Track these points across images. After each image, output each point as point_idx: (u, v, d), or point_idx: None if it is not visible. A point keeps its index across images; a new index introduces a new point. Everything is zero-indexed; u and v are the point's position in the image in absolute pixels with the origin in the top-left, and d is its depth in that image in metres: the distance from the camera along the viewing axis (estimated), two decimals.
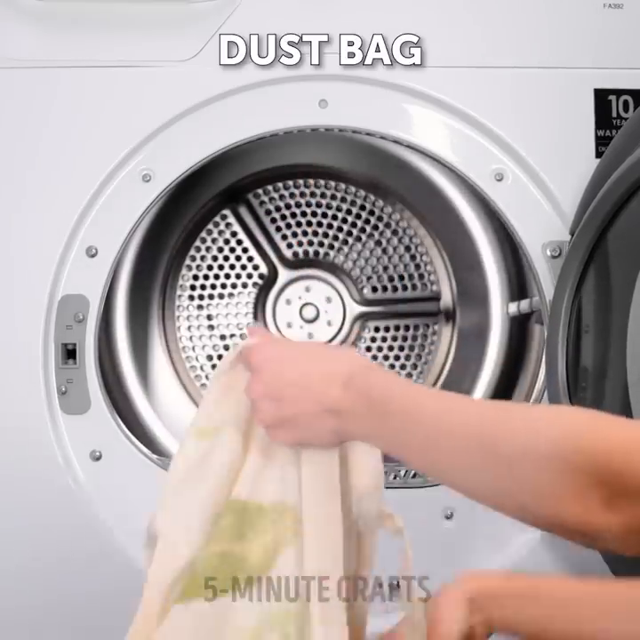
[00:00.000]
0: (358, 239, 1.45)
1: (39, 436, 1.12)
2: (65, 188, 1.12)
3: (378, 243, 1.45)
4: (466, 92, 1.13)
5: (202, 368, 1.46)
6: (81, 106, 1.12)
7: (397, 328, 1.46)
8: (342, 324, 1.44)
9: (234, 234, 1.44)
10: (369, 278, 1.45)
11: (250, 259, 1.45)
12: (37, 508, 1.13)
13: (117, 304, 1.36)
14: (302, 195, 1.44)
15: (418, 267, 1.45)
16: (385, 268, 1.45)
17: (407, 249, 1.46)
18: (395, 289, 1.46)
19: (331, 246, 1.45)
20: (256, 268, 1.45)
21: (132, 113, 1.12)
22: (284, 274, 1.44)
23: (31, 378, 1.12)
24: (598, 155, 1.13)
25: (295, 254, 1.45)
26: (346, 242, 1.45)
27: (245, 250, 1.45)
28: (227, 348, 1.46)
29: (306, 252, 1.45)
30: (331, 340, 1.44)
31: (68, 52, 1.12)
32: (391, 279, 1.45)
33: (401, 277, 1.45)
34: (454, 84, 1.13)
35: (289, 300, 1.44)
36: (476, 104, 1.13)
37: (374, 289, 1.46)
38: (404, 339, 1.46)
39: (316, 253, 1.45)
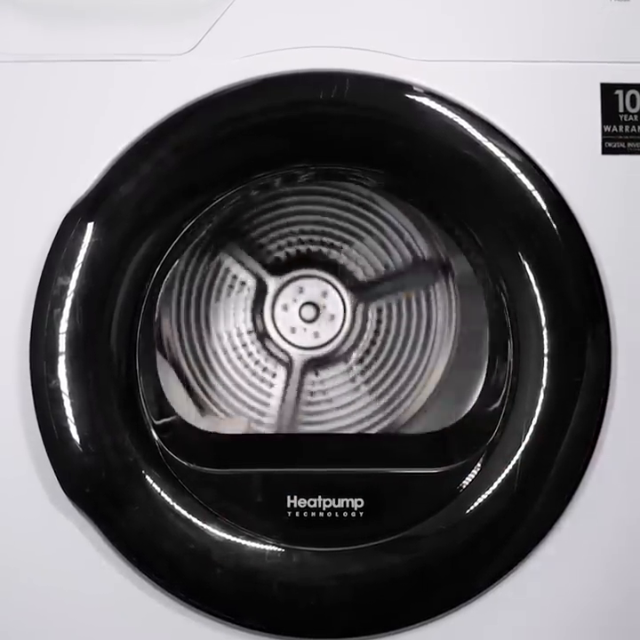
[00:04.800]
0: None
1: (38, 435, 1.11)
2: (60, 186, 1.10)
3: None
4: (467, 86, 1.11)
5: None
6: (75, 101, 1.10)
7: (399, 303, 1.44)
8: (345, 314, 1.42)
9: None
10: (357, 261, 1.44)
11: (234, 277, 1.43)
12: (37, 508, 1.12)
13: None
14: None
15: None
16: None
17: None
18: (386, 267, 1.44)
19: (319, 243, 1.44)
20: (243, 283, 1.43)
21: (126, 108, 1.10)
22: (272, 282, 1.42)
23: (22, 377, 1.11)
24: (604, 151, 1.11)
25: (277, 259, 1.43)
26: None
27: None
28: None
29: (288, 254, 1.44)
30: (337, 334, 1.42)
31: (61, 45, 1.10)
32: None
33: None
34: (455, 78, 1.11)
35: (285, 306, 1.42)
36: (478, 99, 1.11)
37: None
38: (409, 309, 1.44)
39: (297, 252, 1.44)
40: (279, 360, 1.43)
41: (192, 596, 1.12)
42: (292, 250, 1.44)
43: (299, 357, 1.43)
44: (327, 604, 1.12)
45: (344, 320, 1.43)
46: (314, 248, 1.44)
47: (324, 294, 1.42)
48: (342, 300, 1.43)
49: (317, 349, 1.43)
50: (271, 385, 1.44)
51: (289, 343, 1.42)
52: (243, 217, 1.42)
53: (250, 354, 1.44)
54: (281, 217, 1.43)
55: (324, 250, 1.44)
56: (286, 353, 1.43)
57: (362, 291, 1.43)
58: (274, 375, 1.44)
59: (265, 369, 1.44)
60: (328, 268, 1.43)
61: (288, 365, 1.43)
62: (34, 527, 1.13)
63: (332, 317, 1.43)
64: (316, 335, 1.42)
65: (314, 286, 1.43)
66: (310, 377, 1.44)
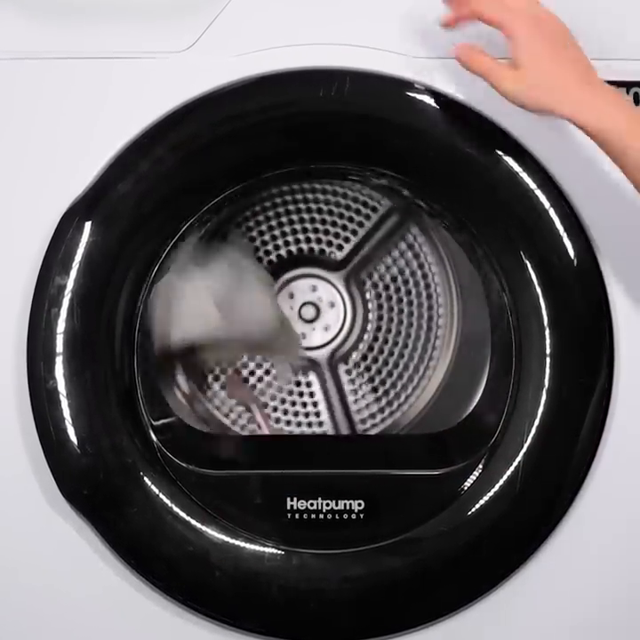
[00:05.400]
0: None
1: (35, 436, 1.10)
2: (57, 184, 1.09)
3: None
4: (468, 85, 1.10)
5: None
6: (73, 99, 1.09)
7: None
8: (343, 298, 1.41)
9: None
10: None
11: None
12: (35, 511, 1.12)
13: None
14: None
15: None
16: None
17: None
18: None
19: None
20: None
21: (124, 106, 1.10)
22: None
23: (20, 378, 1.10)
24: None
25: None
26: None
27: None
28: None
29: (289, 252, 1.43)
30: (344, 321, 1.41)
31: (59, 42, 1.09)
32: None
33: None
34: (456, 77, 1.10)
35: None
36: (479, 99, 1.11)
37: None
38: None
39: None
40: (304, 367, 1.43)
41: (190, 599, 1.11)
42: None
43: (320, 357, 1.42)
44: (327, 607, 1.12)
45: (345, 308, 1.42)
46: (308, 247, 1.43)
47: (314, 288, 1.42)
48: (335, 288, 1.42)
49: (330, 344, 1.42)
50: (310, 393, 1.44)
51: (304, 348, 1.42)
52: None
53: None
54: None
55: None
56: (306, 358, 1.42)
57: (348, 267, 1.42)
58: (308, 385, 1.44)
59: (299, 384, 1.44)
60: (314, 262, 1.42)
61: (315, 368, 1.42)
62: (31, 529, 1.12)
63: (332, 304, 1.42)
64: (326, 329, 1.41)
65: (305, 285, 1.42)
66: (342, 368, 1.43)
